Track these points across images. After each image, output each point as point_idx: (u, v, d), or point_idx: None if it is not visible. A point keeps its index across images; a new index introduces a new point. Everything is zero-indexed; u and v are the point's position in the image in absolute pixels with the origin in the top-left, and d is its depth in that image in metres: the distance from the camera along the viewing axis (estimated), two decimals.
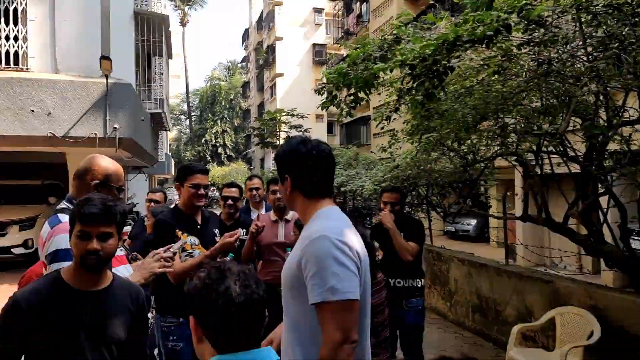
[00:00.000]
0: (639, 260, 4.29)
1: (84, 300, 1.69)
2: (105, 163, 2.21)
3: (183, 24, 44.33)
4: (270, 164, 30.75)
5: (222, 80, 51.45)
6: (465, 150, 5.94)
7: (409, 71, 3.63)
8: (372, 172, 9.87)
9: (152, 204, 4.70)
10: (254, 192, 4.58)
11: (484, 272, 5.86)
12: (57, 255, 1.92)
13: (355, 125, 24.37)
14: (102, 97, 7.64)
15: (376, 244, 3.61)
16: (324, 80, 4.80)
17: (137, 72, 11.81)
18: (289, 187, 1.72)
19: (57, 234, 1.95)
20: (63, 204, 2.15)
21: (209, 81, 51.79)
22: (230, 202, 4.05)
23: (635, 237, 5.13)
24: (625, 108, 4.08)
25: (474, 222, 14.86)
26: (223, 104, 48.74)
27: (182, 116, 52.37)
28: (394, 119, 4.87)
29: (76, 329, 1.65)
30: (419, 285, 3.76)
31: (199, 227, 2.96)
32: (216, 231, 3.12)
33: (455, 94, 4.58)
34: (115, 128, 7.66)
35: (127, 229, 10.38)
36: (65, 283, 1.69)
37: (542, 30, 3.42)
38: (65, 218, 2.00)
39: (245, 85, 48.60)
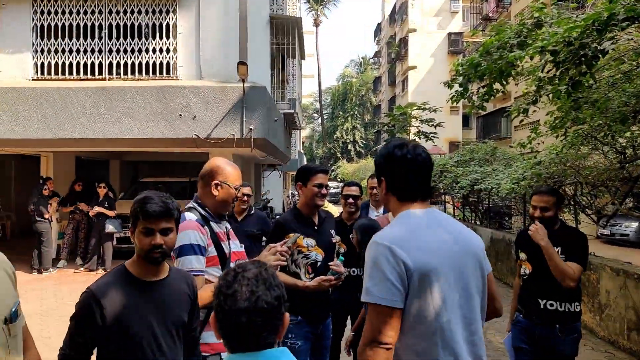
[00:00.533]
0: None
1: (150, 289, 1.82)
2: (224, 165, 2.36)
3: (316, 24, 45.81)
4: None
5: (354, 77, 52.16)
6: (623, 144, 5.17)
7: (551, 58, 3.23)
8: (511, 169, 9.12)
9: (245, 197, 4.51)
10: (374, 190, 4.42)
11: None
12: (182, 250, 2.15)
13: (494, 118, 22.86)
14: (239, 101, 8.19)
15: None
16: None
17: (271, 74, 12.46)
18: (384, 189, 1.79)
19: (182, 230, 2.10)
20: (191, 204, 2.35)
21: (340, 79, 52.88)
22: (350, 200, 3.97)
23: None
24: None
25: (634, 225, 13.05)
26: (354, 100, 49.40)
27: (315, 114, 54.30)
28: (534, 111, 4.41)
29: (147, 315, 1.78)
30: (577, 310, 3.08)
31: (315, 227, 2.97)
32: (332, 231, 3.10)
33: (610, 80, 3.98)
34: (250, 129, 8.15)
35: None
36: (132, 274, 1.84)
37: None
38: (190, 216, 2.24)
39: (377, 80, 48.68)
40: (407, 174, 1.73)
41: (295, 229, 2.79)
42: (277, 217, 3.24)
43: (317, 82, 47.24)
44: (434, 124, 17.32)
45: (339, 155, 48.08)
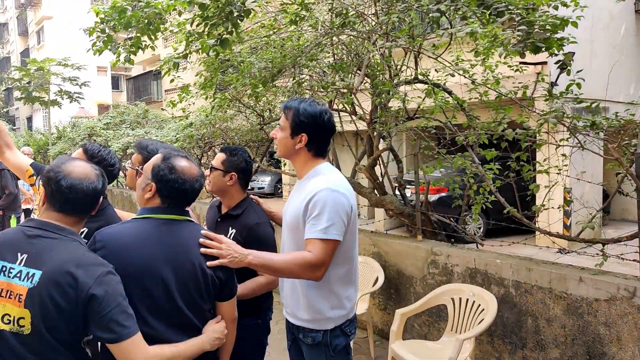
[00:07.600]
0: (412, 208, 4.77)
1: None
2: None
3: None
4: (41, 123, 26.43)
5: None
6: (262, 108, 5.79)
7: (200, 12, 3.21)
8: (164, 131, 9.10)
9: None
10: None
11: None
12: None
13: (145, 80, 22.37)
14: None
15: None
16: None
17: None
18: (302, 144, 1.99)
19: None
20: None
21: None
22: None
23: (408, 187, 5.72)
24: (404, 68, 4.37)
25: (268, 179, 15.26)
26: None
27: None
28: (184, 67, 4.38)
29: None
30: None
31: None
32: None
33: (252, 44, 4.31)
34: None
35: None
36: None
37: None
38: None
39: (2, 27, 40.36)
40: (328, 134, 2.05)
41: None
42: None
43: None
44: (79, 83, 15.75)
45: None
